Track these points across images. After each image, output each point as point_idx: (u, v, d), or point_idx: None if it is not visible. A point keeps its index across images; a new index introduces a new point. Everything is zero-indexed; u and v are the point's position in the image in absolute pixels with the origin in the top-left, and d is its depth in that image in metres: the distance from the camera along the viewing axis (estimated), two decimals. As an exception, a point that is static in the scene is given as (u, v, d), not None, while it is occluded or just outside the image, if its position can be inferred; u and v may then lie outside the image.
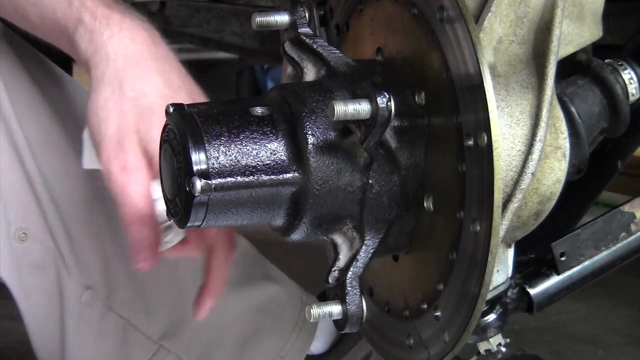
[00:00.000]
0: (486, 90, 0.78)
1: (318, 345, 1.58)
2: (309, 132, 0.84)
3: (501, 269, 0.92)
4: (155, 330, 1.38)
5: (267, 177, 0.83)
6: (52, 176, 1.35)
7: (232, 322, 1.43)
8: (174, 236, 1.04)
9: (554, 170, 0.89)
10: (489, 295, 0.90)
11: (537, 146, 0.86)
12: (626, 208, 1.05)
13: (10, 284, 1.37)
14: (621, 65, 1.00)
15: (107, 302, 1.38)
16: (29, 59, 1.34)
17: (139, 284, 1.38)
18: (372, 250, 0.87)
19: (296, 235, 0.88)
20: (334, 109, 0.80)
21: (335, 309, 0.87)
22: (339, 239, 0.89)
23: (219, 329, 1.43)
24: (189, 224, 0.84)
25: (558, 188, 0.90)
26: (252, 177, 0.83)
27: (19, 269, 1.36)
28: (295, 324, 1.48)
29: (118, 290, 1.39)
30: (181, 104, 0.84)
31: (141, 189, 1.01)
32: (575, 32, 0.93)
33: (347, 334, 1.55)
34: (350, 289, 0.86)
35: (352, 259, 0.87)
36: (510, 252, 0.93)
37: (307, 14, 0.93)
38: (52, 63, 1.39)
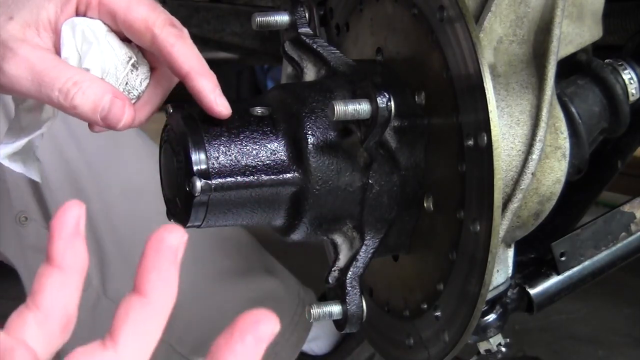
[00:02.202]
0: (486, 90, 0.78)
1: (321, 346, 1.58)
2: (309, 132, 0.84)
3: (501, 269, 0.92)
4: None
5: (267, 177, 0.83)
6: (49, 164, 1.37)
7: (227, 315, 1.44)
8: (141, 76, 0.85)
9: (554, 170, 0.89)
10: (489, 295, 0.90)
11: (537, 146, 0.86)
12: (626, 208, 1.05)
13: (17, 265, 1.41)
14: (621, 65, 1.00)
15: (101, 289, 1.39)
16: None
17: (133, 271, 1.39)
18: (372, 250, 0.87)
19: (296, 235, 0.88)
20: (334, 109, 0.80)
21: (335, 309, 0.87)
22: (339, 239, 0.89)
23: (214, 322, 1.43)
24: (189, 224, 0.84)
25: (558, 188, 0.89)
26: (252, 177, 0.83)
27: (23, 251, 1.39)
28: (290, 319, 1.48)
29: (112, 277, 1.40)
30: (181, 104, 0.84)
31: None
32: (575, 32, 0.93)
33: (350, 335, 1.55)
34: (350, 289, 0.86)
35: (352, 259, 0.87)
36: (510, 252, 0.93)
37: (307, 14, 0.93)
38: None
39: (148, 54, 0.86)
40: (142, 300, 0.52)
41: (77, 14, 0.83)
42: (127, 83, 0.84)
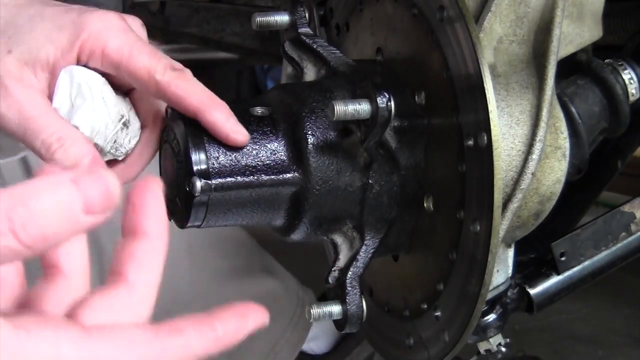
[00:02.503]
0: (486, 90, 0.78)
1: (321, 345, 1.58)
2: (309, 132, 0.84)
3: (501, 269, 0.92)
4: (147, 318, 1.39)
5: (267, 177, 0.83)
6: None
7: None
8: (130, 134, 0.86)
9: (554, 170, 0.89)
10: (489, 295, 0.90)
11: (537, 146, 0.86)
12: (626, 208, 1.05)
13: None
14: (621, 65, 1.00)
15: None
16: None
17: None
18: (372, 250, 0.87)
19: (296, 235, 0.88)
20: (334, 109, 0.80)
21: (335, 309, 0.87)
22: (339, 239, 0.89)
23: None
24: (189, 224, 0.84)
25: (558, 188, 0.89)
26: (252, 177, 0.83)
27: None
28: (290, 319, 1.48)
29: None
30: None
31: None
32: (575, 32, 0.93)
33: (350, 334, 1.55)
34: (350, 289, 0.86)
35: (352, 259, 0.87)
36: (510, 252, 0.93)
37: (307, 14, 0.93)
38: None
39: (142, 111, 0.86)
40: (142, 239, 0.55)
41: (78, 62, 0.83)
42: (115, 141, 0.84)
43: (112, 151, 0.84)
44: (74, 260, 0.58)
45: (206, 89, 0.82)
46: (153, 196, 0.55)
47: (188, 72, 0.83)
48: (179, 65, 0.83)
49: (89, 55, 0.82)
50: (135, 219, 0.55)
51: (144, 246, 0.55)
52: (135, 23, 0.86)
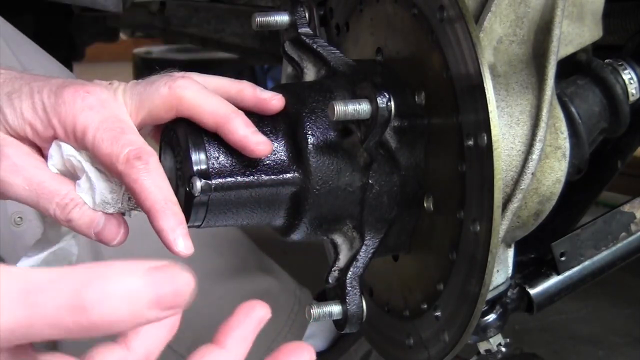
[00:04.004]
0: (486, 90, 0.78)
1: (318, 343, 1.58)
2: (309, 132, 0.84)
3: (501, 269, 0.92)
4: None
5: (267, 177, 0.83)
6: None
7: (224, 313, 1.43)
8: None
9: (554, 170, 0.89)
10: (489, 295, 0.90)
11: (537, 146, 0.86)
12: (626, 208, 1.05)
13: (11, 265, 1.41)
14: (621, 65, 1.00)
15: None
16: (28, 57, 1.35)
17: None
18: (372, 251, 0.87)
19: (296, 235, 0.88)
20: (334, 109, 0.80)
21: (335, 309, 0.87)
22: (339, 239, 0.89)
23: (211, 320, 1.43)
24: (189, 224, 0.84)
25: (558, 188, 0.90)
26: (252, 177, 0.83)
27: (17, 252, 1.39)
28: (287, 317, 1.48)
29: None
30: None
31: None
32: (575, 32, 0.93)
33: (347, 333, 1.55)
34: (350, 289, 0.86)
35: (352, 259, 0.87)
36: (510, 252, 0.93)
37: (307, 14, 0.93)
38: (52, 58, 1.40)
39: None
40: (220, 349, 0.62)
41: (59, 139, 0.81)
42: (129, 199, 0.81)
43: (132, 207, 0.82)
44: (144, 339, 0.59)
45: (164, 188, 0.79)
46: (252, 319, 0.63)
47: (152, 163, 0.79)
48: (144, 151, 0.79)
49: (65, 137, 0.80)
50: (224, 331, 0.62)
51: (218, 356, 0.62)
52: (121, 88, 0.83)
